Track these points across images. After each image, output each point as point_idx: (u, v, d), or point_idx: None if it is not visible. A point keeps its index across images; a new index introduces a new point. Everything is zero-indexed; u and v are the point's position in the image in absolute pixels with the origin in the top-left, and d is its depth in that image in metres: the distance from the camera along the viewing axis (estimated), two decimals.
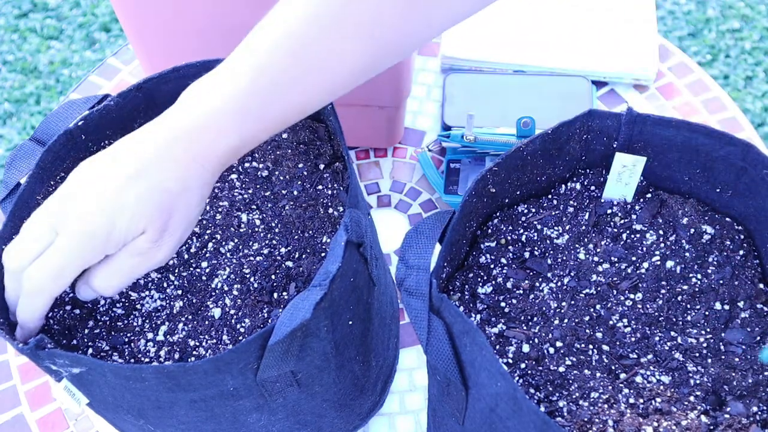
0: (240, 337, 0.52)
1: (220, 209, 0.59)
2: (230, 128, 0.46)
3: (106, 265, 0.46)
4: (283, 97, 0.47)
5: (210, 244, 0.57)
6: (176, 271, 0.56)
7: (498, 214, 0.56)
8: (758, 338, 0.50)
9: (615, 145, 0.55)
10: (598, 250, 0.54)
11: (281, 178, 0.60)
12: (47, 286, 0.45)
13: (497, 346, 0.50)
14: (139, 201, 0.44)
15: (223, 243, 0.57)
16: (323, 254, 0.55)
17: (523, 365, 0.49)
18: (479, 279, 0.53)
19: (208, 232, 0.57)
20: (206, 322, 0.53)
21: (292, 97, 0.47)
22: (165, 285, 0.55)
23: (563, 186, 0.57)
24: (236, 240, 0.57)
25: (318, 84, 0.48)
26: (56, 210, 0.45)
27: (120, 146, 0.46)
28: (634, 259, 0.53)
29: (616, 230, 0.55)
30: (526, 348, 0.50)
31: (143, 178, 0.45)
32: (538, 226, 0.55)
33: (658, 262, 0.53)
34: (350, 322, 0.53)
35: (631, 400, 0.47)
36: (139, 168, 0.45)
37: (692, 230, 0.54)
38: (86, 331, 0.53)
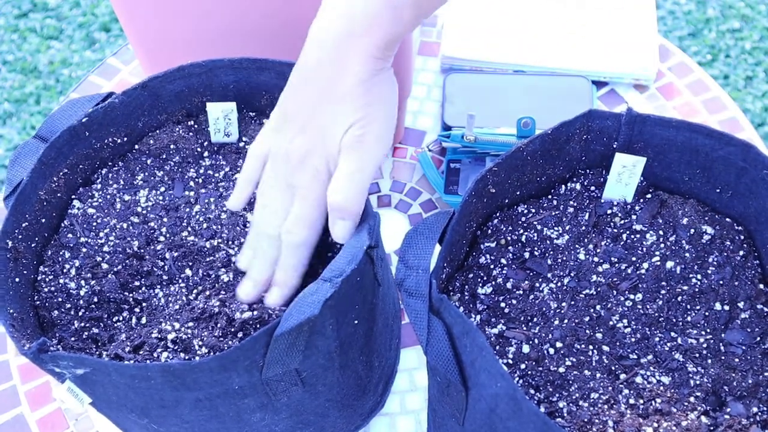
0: (246, 335, 0.52)
1: (225, 209, 0.59)
2: (383, 22, 0.49)
3: (337, 181, 0.50)
4: None
5: (217, 242, 0.57)
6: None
7: (498, 214, 0.56)
8: (758, 339, 0.50)
9: (615, 146, 0.56)
10: (598, 250, 0.54)
11: None
12: (308, 234, 0.52)
13: (497, 347, 0.50)
14: (335, 116, 0.49)
15: (230, 242, 0.57)
16: (329, 254, 0.55)
17: (523, 366, 0.49)
18: (479, 279, 0.53)
19: (215, 230, 0.58)
20: (212, 321, 0.53)
21: None
22: (171, 283, 0.56)
23: (563, 186, 0.57)
24: (242, 239, 0.57)
25: None
26: (282, 171, 0.52)
27: (302, 71, 0.51)
28: (634, 259, 0.54)
29: (616, 230, 0.55)
30: (526, 348, 0.50)
31: (327, 96, 0.49)
32: (538, 227, 0.55)
33: (658, 263, 0.53)
34: (356, 322, 0.53)
35: (631, 401, 0.47)
36: (322, 88, 0.50)
37: (692, 230, 0.54)
38: (93, 331, 0.54)
